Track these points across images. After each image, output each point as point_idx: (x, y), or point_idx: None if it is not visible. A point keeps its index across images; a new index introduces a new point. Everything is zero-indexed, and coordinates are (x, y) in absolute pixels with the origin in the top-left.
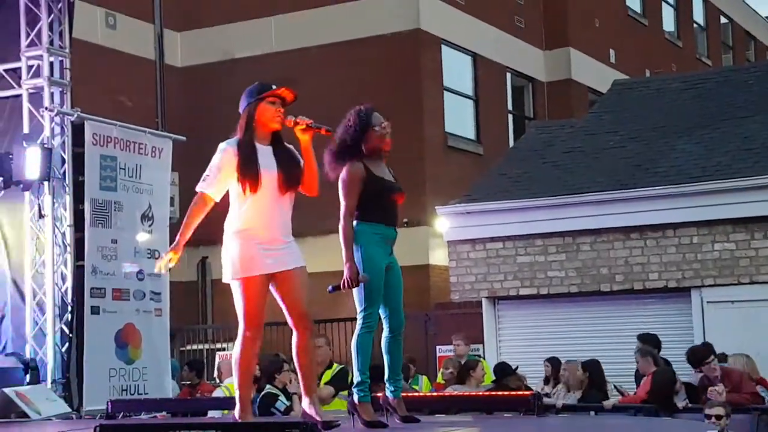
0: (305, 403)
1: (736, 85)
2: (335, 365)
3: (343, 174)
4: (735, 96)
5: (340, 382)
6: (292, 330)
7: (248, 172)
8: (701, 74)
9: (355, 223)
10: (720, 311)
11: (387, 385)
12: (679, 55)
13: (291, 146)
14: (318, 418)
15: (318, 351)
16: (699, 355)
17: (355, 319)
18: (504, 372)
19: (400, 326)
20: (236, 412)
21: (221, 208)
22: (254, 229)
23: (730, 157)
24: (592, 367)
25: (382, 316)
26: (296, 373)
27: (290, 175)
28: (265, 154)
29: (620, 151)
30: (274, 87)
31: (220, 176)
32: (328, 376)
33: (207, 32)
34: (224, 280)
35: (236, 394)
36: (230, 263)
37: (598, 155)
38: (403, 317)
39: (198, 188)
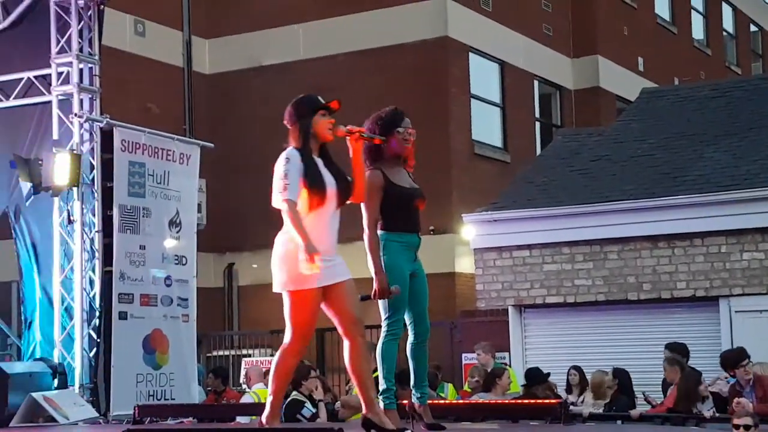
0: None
1: (765, 93)
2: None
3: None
4: (764, 104)
5: None
6: (341, 339)
7: (317, 186)
8: (730, 82)
9: (379, 232)
10: (748, 321)
11: (413, 391)
12: (708, 63)
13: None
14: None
15: None
16: (733, 358)
17: (381, 326)
18: (535, 378)
19: (426, 333)
20: (264, 416)
21: (243, 214)
22: (321, 241)
23: (759, 165)
24: (621, 375)
25: (407, 323)
26: (322, 381)
27: (346, 188)
28: (320, 167)
29: (648, 159)
30: (321, 100)
31: (298, 181)
32: None
33: (235, 39)
34: (275, 290)
35: (268, 400)
36: (286, 273)
37: (625, 163)
38: (428, 324)
39: (285, 198)
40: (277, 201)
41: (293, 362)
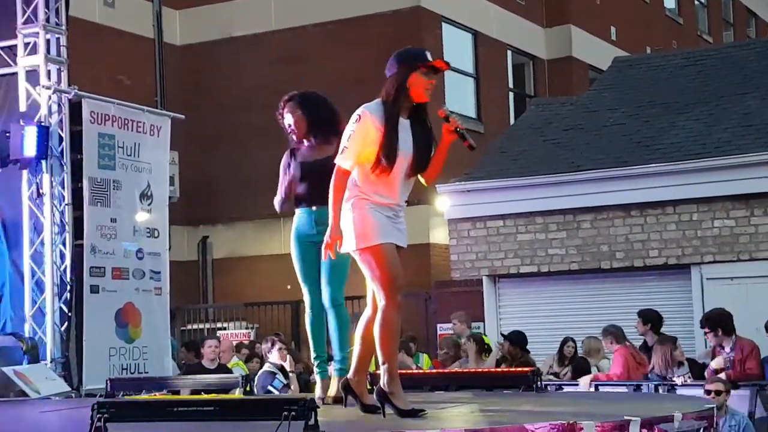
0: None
1: (736, 62)
2: None
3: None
4: (735, 73)
5: None
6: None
7: (387, 154)
8: (702, 51)
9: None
10: (720, 288)
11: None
12: (680, 32)
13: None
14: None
15: None
16: (716, 318)
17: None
18: (520, 341)
19: (327, 300)
20: (384, 383)
21: (217, 187)
22: (383, 201)
23: (730, 133)
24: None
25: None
26: (291, 352)
27: (422, 161)
28: (404, 129)
29: (620, 128)
30: (428, 55)
31: (358, 148)
32: None
33: (206, 10)
34: (350, 249)
35: (384, 367)
36: (362, 230)
37: (598, 132)
38: (328, 290)
39: (336, 161)
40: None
41: (398, 319)
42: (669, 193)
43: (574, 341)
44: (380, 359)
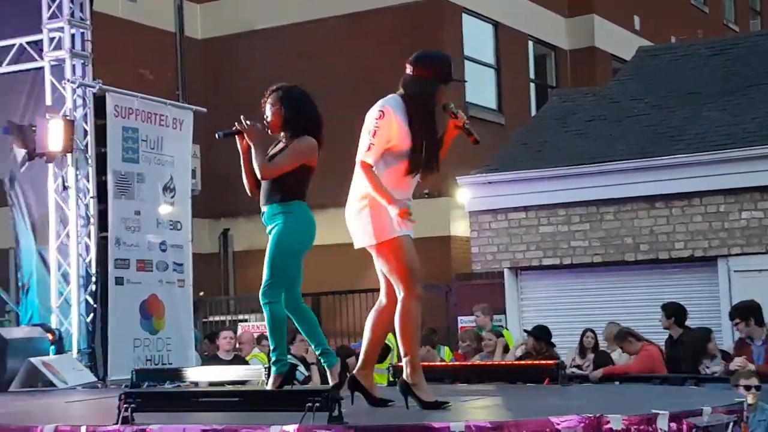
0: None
1: (763, 51)
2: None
3: None
4: (762, 62)
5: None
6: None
7: (418, 158)
8: (728, 40)
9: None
10: (747, 280)
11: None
12: (706, 21)
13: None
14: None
15: None
16: (747, 309)
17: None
18: (544, 335)
19: (299, 299)
20: (407, 375)
21: (238, 180)
22: (397, 196)
23: (757, 124)
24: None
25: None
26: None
27: (435, 158)
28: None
29: (645, 119)
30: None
31: (383, 145)
32: None
33: (227, 4)
34: (369, 244)
35: (406, 359)
36: (380, 224)
37: (621, 123)
38: (265, 280)
39: (361, 158)
40: (358, 157)
41: (419, 310)
42: (695, 185)
43: (593, 332)
44: (402, 351)
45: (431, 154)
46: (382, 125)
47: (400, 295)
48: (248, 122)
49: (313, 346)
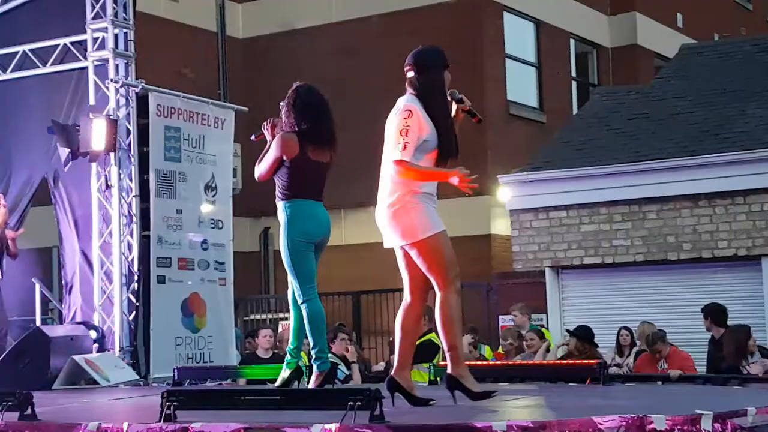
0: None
1: None
2: (427, 336)
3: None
4: None
5: (425, 353)
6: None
7: (447, 145)
8: None
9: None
10: None
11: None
12: (749, 19)
13: None
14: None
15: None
16: None
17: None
18: (587, 335)
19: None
20: (453, 369)
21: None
22: (431, 191)
23: None
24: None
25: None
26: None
27: (457, 147)
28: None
29: (688, 117)
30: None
31: (414, 142)
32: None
33: (268, 3)
34: (410, 242)
35: (451, 353)
36: (420, 221)
37: (664, 121)
38: (292, 284)
39: (397, 157)
40: (392, 157)
41: (459, 304)
42: (739, 183)
43: (628, 329)
44: (445, 345)
45: (454, 141)
46: (412, 123)
47: (440, 290)
48: (269, 123)
49: (311, 344)
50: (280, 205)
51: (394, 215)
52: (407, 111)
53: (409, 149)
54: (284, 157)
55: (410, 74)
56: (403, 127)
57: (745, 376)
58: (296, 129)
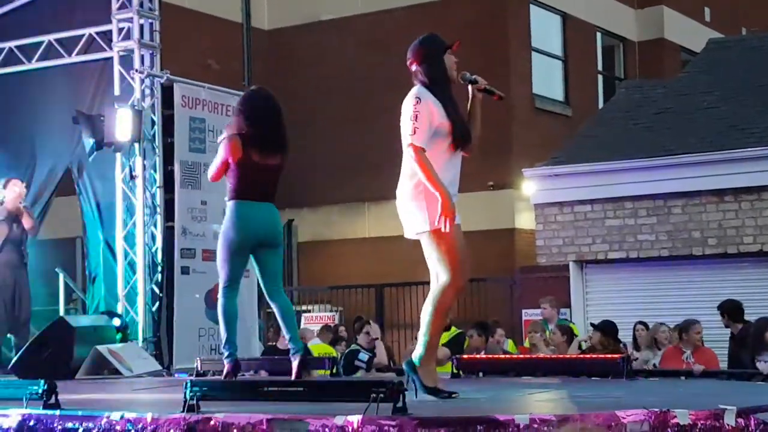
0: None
1: None
2: (453, 329)
3: None
4: None
5: (456, 346)
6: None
7: (460, 129)
8: None
9: None
10: None
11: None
12: None
13: None
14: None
15: None
16: None
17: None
18: (611, 330)
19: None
20: (417, 357)
21: (303, 171)
22: (452, 181)
23: None
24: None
25: None
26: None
27: (466, 134)
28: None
29: (714, 112)
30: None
31: (427, 127)
32: (445, 338)
33: None
34: (424, 230)
35: (423, 340)
36: (433, 210)
37: (691, 116)
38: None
39: (409, 141)
40: (405, 144)
41: (454, 300)
42: (765, 178)
43: (643, 324)
44: (422, 330)
45: (465, 126)
46: (421, 109)
47: (442, 279)
48: None
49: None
50: (227, 204)
51: (411, 201)
52: (416, 98)
53: (419, 134)
54: (229, 159)
55: (413, 67)
56: (413, 112)
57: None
58: (242, 132)
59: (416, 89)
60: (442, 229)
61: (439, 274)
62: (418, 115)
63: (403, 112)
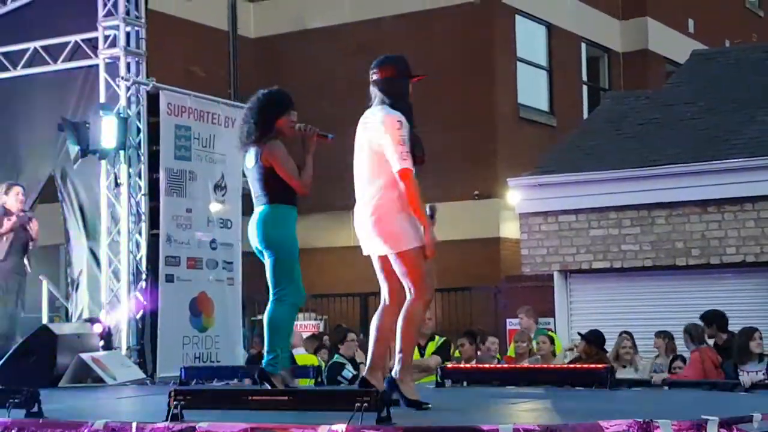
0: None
1: None
2: (437, 338)
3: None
4: None
5: (443, 353)
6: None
7: (420, 147)
8: None
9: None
10: None
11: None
12: (761, 25)
13: None
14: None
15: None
16: None
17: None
18: (597, 340)
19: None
20: (396, 372)
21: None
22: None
23: None
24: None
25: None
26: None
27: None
28: None
29: (698, 123)
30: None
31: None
32: (431, 347)
33: (280, 2)
34: (398, 250)
35: (398, 356)
36: (408, 231)
37: (674, 127)
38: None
39: (405, 166)
40: (397, 167)
41: (423, 315)
42: (748, 189)
43: (628, 333)
44: (397, 347)
45: (421, 143)
46: (405, 133)
47: (410, 296)
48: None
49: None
50: None
51: (378, 222)
52: (399, 122)
53: (409, 158)
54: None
55: (376, 77)
56: (400, 137)
57: (739, 383)
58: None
59: (394, 112)
60: (419, 237)
61: (407, 290)
62: (404, 139)
63: (385, 133)
